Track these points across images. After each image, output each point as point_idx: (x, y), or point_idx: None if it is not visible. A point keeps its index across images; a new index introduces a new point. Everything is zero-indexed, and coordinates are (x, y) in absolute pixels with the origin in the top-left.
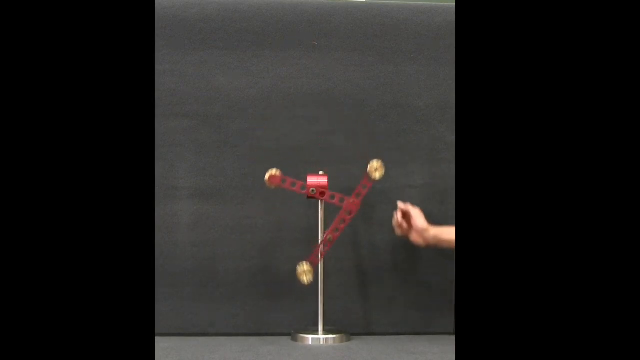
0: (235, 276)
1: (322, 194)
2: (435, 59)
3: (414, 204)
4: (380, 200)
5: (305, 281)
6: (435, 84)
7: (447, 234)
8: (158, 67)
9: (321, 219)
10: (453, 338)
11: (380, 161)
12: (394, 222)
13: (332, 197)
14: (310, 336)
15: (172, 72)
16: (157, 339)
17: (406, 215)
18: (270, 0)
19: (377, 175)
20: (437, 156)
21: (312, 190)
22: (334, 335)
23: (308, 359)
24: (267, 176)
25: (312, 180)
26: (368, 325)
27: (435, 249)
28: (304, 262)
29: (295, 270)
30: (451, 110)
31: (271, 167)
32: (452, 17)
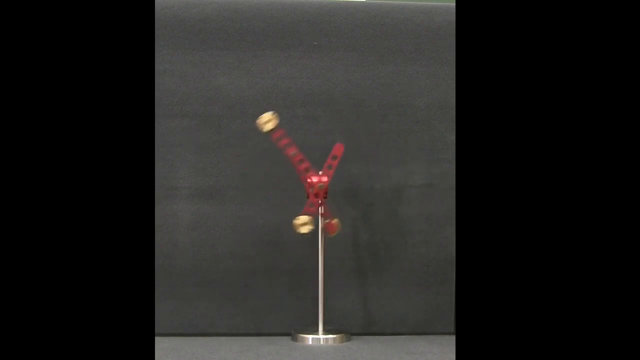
0: (235, 276)
1: (323, 194)
2: (435, 59)
3: (414, 204)
4: (380, 200)
5: (306, 230)
6: (435, 84)
7: None
8: (158, 67)
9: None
10: (453, 338)
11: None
12: None
13: (330, 166)
14: (310, 336)
15: (172, 72)
16: (157, 339)
17: None
18: (270, 0)
19: (269, 126)
20: (437, 156)
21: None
22: (334, 335)
23: (308, 359)
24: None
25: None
26: (368, 325)
27: (437, 247)
28: (301, 216)
29: (295, 269)
30: (451, 110)
31: (271, 167)
32: (452, 17)
